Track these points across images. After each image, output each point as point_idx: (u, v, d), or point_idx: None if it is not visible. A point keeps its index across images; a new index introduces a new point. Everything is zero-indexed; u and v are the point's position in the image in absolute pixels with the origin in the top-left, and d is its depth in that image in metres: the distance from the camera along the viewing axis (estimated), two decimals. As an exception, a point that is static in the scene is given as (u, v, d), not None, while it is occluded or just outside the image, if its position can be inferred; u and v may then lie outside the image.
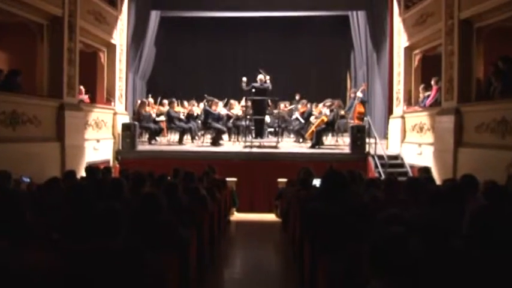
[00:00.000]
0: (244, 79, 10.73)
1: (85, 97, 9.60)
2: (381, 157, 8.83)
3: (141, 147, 10.33)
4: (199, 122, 11.75)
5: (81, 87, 9.22)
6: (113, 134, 10.08)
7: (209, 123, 10.72)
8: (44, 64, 7.76)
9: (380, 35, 11.72)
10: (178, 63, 16.53)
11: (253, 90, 10.37)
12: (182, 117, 11.33)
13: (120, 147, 9.97)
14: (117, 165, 9.42)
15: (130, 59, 11.81)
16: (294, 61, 16.27)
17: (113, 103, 10.32)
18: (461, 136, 7.22)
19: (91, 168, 5.90)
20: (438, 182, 5.30)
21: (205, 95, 11.81)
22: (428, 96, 9.13)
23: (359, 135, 9.42)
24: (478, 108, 6.99)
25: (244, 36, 16.72)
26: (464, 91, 7.38)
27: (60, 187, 4.19)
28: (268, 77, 10.92)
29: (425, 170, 5.69)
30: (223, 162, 8.97)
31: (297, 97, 14.78)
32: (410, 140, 9.34)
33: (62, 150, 7.61)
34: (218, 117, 11.08)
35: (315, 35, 16.07)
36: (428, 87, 9.31)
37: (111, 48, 10.28)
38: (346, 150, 9.78)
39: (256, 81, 10.73)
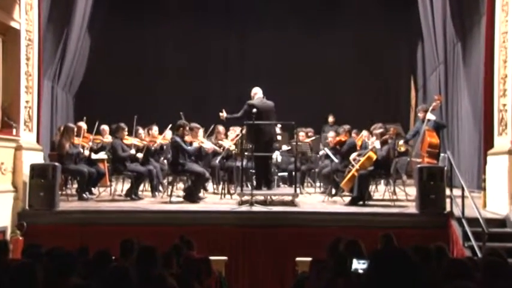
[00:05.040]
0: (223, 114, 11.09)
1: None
2: (473, 221, 8.77)
3: (65, 205, 10.32)
4: (166, 161, 11.80)
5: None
6: (14, 183, 10.06)
7: (182, 164, 10.81)
8: None
9: (469, 12, 11.93)
10: (131, 66, 16.80)
11: (254, 110, 10.55)
12: (139, 155, 11.41)
13: (27, 206, 9.96)
14: (20, 238, 9.41)
15: (47, 55, 11.97)
16: (323, 63, 16.57)
17: (14, 130, 10.41)
18: None
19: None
20: None
21: (181, 113, 11.94)
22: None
23: (432, 183, 9.41)
24: None
25: (240, 25, 17.05)
26: None
27: None
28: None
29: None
30: (205, 230, 9.02)
31: (330, 119, 14.94)
32: (528, 194, 9.32)
33: None
34: (198, 155, 11.16)
35: (357, 18, 16.41)
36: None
37: (12, 37, 10.39)
38: (412, 208, 9.79)
39: (251, 98, 10.97)
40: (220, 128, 12.49)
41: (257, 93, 10.99)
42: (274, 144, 11.59)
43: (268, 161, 11.16)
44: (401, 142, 11.52)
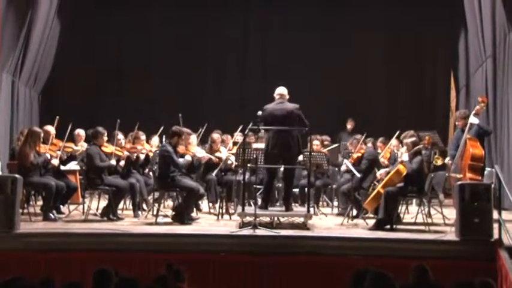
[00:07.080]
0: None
1: None
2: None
3: (27, 226, 10.24)
4: (151, 174, 11.80)
5: None
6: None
7: (171, 177, 10.78)
8: None
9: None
10: (110, 58, 16.78)
11: (259, 113, 10.59)
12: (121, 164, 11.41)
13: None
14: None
15: (6, 43, 12.00)
16: (341, 57, 16.65)
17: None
18: None
19: None
20: None
21: (180, 116, 11.95)
22: None
23: (476, 204, 9.35)
24: None
25: (244, 11, 17.10)
26: None
27: None
28: None
29: None
30: (198, 258, 8.95)
31: (349, 126, 14.90)
32: None
33: None
34: (191, 166, 11.15)
35: (386, 4, 16.41)
36: None
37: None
38: (451, 235, 9.71)
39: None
40: (215, 137, 12.40)
41: (279, 93, 10.89)
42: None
43: (289, 176, 11.10)
44: (446, 160, 11.45)
